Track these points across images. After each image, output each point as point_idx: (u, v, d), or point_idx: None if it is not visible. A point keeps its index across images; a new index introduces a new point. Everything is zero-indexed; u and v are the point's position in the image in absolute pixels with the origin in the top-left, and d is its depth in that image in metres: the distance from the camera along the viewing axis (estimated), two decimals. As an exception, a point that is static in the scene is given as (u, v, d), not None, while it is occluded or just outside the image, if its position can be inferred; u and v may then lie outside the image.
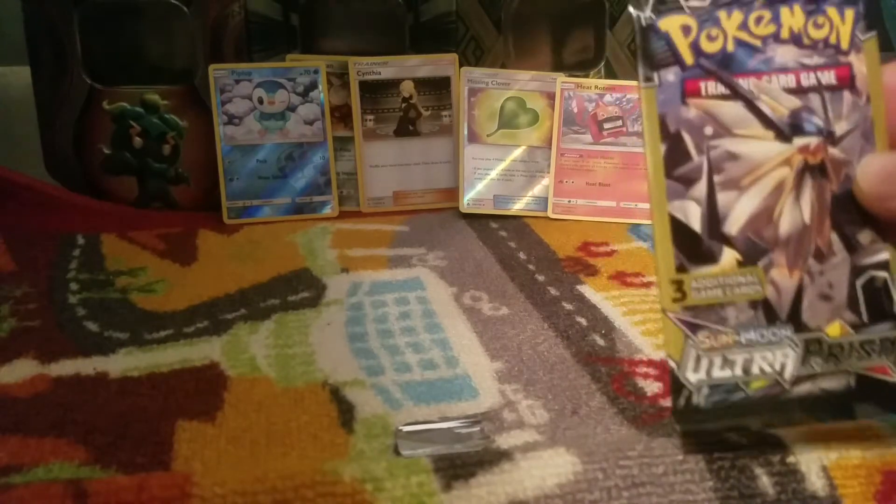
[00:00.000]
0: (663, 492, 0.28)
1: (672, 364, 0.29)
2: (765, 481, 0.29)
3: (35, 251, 0.58)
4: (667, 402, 0.38)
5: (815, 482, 0.29)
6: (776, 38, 0.29)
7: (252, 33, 0.68)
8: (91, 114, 0.67)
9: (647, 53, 0.29)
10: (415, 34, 0.70)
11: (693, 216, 0.29)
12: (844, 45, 0.29)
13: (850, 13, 0.29)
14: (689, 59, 0.29)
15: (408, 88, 0.69)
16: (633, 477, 0.29)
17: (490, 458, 0.29)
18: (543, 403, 0.38)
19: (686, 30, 0.29)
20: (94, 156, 0.67)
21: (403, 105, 0.69)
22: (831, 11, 0.29)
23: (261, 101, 0.66)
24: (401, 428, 0.35)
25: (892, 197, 0.29)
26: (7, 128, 0.75)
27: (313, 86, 0.67)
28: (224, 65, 0.66)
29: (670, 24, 0.29)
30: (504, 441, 0.35)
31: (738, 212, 0.29)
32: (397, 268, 0.56)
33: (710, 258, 0.29)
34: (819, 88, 0.29)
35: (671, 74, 0.29)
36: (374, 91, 0.68)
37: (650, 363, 0.42)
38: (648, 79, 0.29)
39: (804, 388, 0.29)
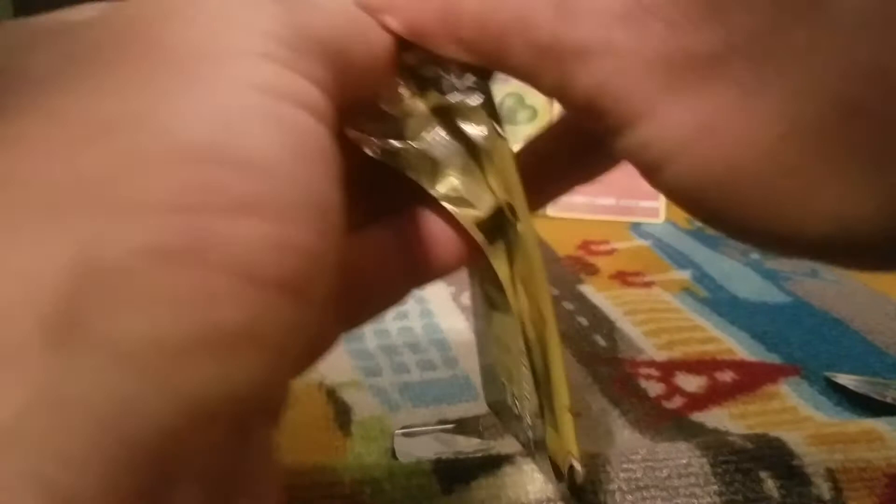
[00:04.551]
0: (668, 495, 0.28)
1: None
2: (770, 485, 0.29)
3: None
4: (670, 404, 0.38)
5: (821, 485, 0.29)
6: None
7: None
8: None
9: None
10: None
11: None
12: None
13: None
14: None
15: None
16: (637, 480, 0.28)
17: (491, 461, 0.28)
18: (544, 405, 0.38)
19: None
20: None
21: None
22: None
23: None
24: (397, 431, 0.35)
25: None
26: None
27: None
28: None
29: None
30: (505, 444, 0.34)
31: None
32: (395, 266, 0.55)
33: None
34: None
35: None
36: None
37: (652, 364, 0.41)
38: None
39: None
